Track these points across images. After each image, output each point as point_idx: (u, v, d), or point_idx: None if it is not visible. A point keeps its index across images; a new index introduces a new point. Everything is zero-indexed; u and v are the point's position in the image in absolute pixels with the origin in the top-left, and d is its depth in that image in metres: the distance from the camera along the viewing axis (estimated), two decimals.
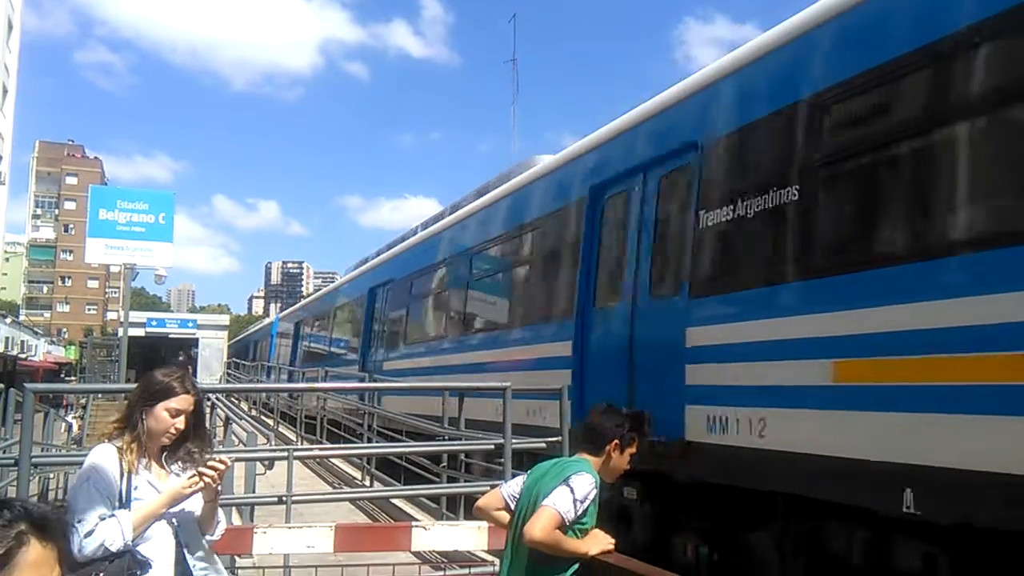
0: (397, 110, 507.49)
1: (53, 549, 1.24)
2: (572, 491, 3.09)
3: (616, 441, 3.31)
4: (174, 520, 2.96)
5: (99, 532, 2.72)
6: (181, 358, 39.41)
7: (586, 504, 3.13)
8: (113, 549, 2.69)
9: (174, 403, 2.95)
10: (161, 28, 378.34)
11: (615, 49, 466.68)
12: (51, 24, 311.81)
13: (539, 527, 3.03)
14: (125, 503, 2.83)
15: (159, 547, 2.88)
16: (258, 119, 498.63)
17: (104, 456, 2.90)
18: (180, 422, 2.97)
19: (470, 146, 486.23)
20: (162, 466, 3.02)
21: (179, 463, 3.07)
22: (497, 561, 4.70)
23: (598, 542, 3.18)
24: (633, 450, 3.32)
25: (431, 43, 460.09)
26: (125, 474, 2.87)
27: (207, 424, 3.27)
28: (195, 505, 3.05)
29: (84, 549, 2.67)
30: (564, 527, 3.07)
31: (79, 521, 2.75)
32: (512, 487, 3.42)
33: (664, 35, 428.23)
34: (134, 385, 3.28)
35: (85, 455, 3.18)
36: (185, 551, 2.97)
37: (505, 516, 3.36)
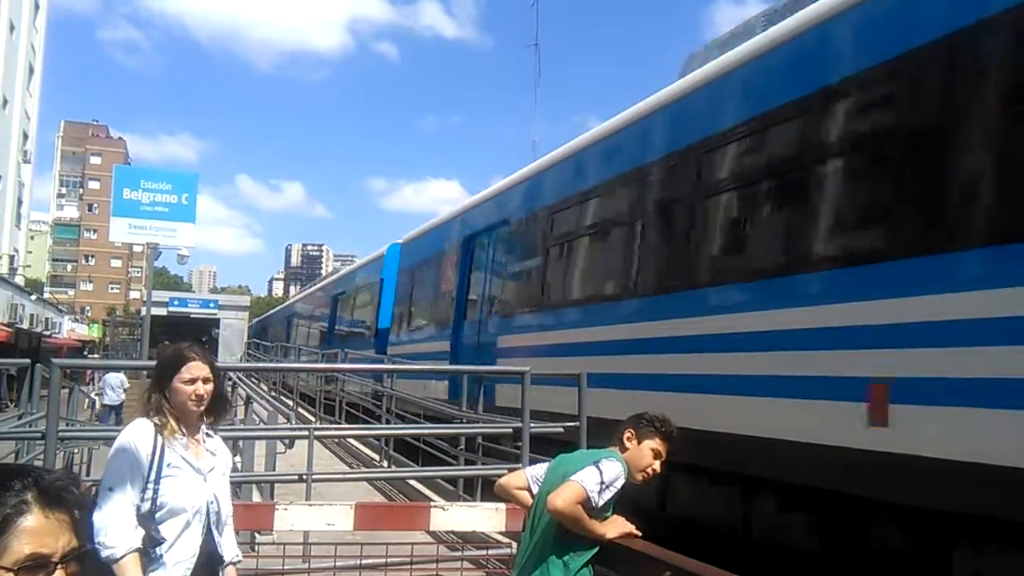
0: (427, 91, 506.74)
1: (61, 519, 1.23)
2: (601, 473, 3.07)
3: (631, 430, 3.28)
4: (210, 495, 3.00)
5: (106, 528, 2.71)
6: (205, 339, 39.87)
7: (613, 491, 3.10)
8: (101, 552, 2.67)
9: (186, 372, 3.00)
10: (185, 3, 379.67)
11: (645, 31, 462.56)
12: (77, 1, 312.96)
13: (562, 498, 3.01)
14: (156, 479, 2.86)
15: (187, 523, 2.91)
16: (285, 99, 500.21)
17: (139, 431, 2.94)
18: (199, 388, 3.01)
19: (495, 128, 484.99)
20: (198, 441, 3.05)
21: (214, 439, 3.13)
22: (514, 543, 4.73)
23: (617, 527, 3.17)
24: (654, 445, 3.24)
25: (463, 24, 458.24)
26: (159, 449, 2.89)
27: (227, 394, 3.31)
28: (225, 487, 3.11)
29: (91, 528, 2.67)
30: (589, 508, 3.05)
31: (103, 497, 2.80)
32: (536, 470, 3.41)
33: (695, 17, 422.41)
34: (152, 362, 3.32)
35: (109, 430, 3.23)
36: (214, 529, 3.01)
37: (526, 496, 3.35)
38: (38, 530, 1.19)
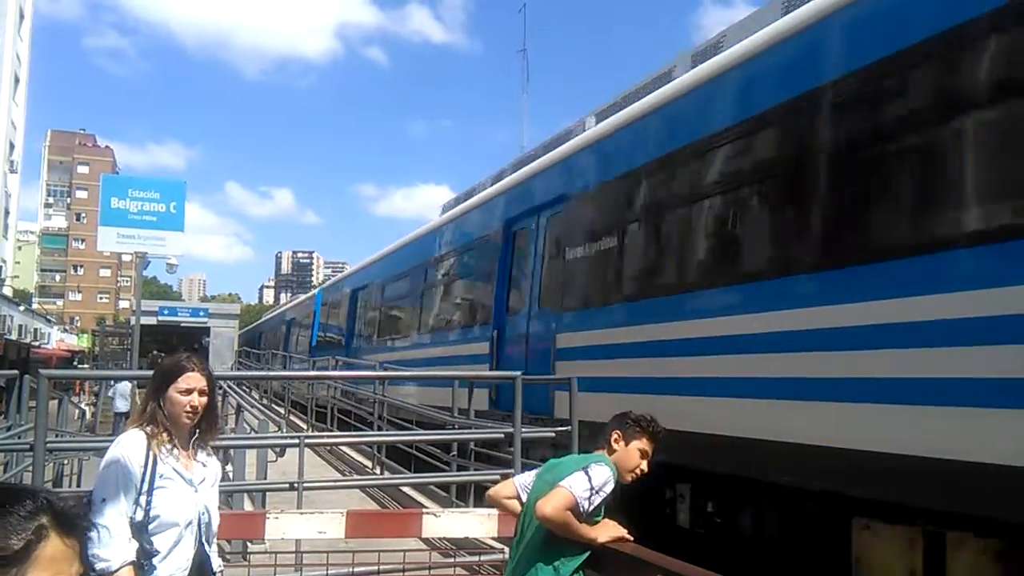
0: (416, 96, 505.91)
1: (74, 545, 1.20)
2: (590, 479, 3.05)
3: (617, 432, 3.27)
4: (201, 507, 3.00)
5: (101, 541, 2.72)
6: (196, 347, 39.71)
7: (603, 495, 3.09)
8: (96, 565, 2.67)
9: (183, 383, 2.98)
10: (171, 10, 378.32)
11: (632, 35, 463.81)
12: (60, 8, 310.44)
13: (551, 504, 3.00)
14: (149, 490, 2.85)
15: (179, 535, 2.90)
16: (273, 106, 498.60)
17: (131, 442, 2.92)
18: (195, 399, 2.99)
19: (485, 132, 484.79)
20: (190, 453, 3.04)
21: (204, 451, 3.11)
22: (507, 548, 4.72)
23: (609, 531, 3.15)
24: (642, 445, 3.24)
25: (452, 29, 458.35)
26: (151, 460, 2.88)
27: (218, 409, 3.28)
28: (214, 498, 3.10)
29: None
30: (578, 513, 3.04)
31: (96, 509, 2.79)
32: (526, 478, 3.40)
33: (684, 20, 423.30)
34: (144, 372, 3.30)
35: (99, 441, 3.21)
36: (204, 540, 3.00)
37: (516, 505, 3.34)
38: (57, 556, 1.16)
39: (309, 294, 31.31)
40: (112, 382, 21.23)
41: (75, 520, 1.22)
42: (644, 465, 3.26)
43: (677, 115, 7.03)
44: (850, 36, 5.25)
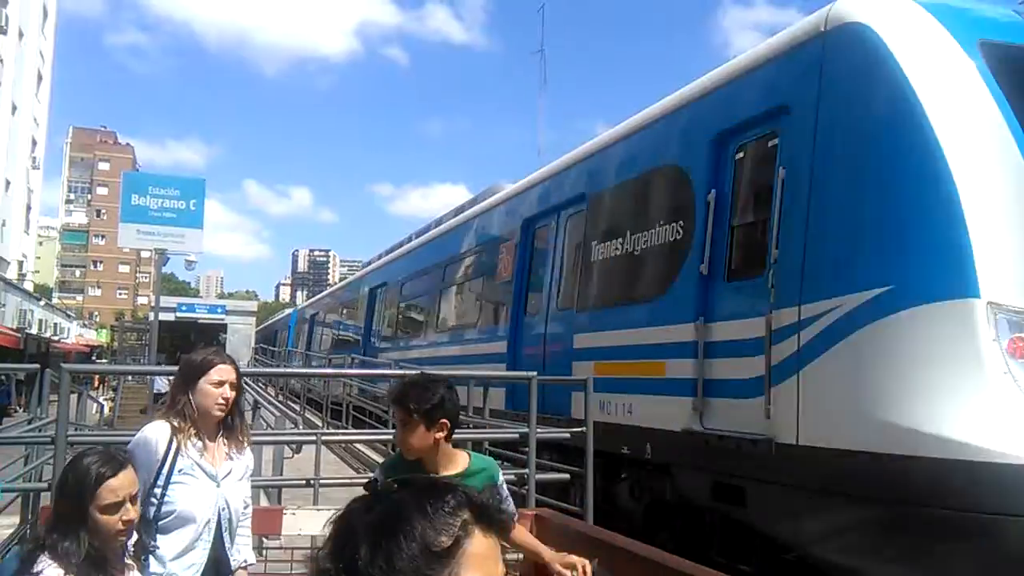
0: (434, 96, 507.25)
1: (496, 543, 1.12)
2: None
3: None
4: (222, 501, 2.99)
5: None
6: (216, 343, 40.00)
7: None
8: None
9: (215, 375, 3.00)
10: (193, 8, 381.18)
11: (651, 35, 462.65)
12: (83, 4, 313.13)
13: None
14: (166, 484, 2.85)
15: (196, 531, 2.90)
16: (292, 104, 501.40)
17: (155, 432, 2.93)
18: (227, 391, 3.00)
19: (502, 132, 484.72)
20: (217, 447, 3.05)
21: (234, 446, 3.10)
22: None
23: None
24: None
25: (471, 28, 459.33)
26: (173, 452, 2.88)
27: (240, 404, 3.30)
28: (239, 492, 3.10)
29: None
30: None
31: None
32: None
33: (702, 19, 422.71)
34: (162, 367, 3.31)
35: (118, 435, 3.22)
36: (225, 535, 3.00)
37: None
38: (483, 554, 1.09)
39: (288, 312, 44.16)
40: (109, 379, 21.46)
41: (494, 515, 1.14)
42: (402, 434, 2.90)
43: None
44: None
